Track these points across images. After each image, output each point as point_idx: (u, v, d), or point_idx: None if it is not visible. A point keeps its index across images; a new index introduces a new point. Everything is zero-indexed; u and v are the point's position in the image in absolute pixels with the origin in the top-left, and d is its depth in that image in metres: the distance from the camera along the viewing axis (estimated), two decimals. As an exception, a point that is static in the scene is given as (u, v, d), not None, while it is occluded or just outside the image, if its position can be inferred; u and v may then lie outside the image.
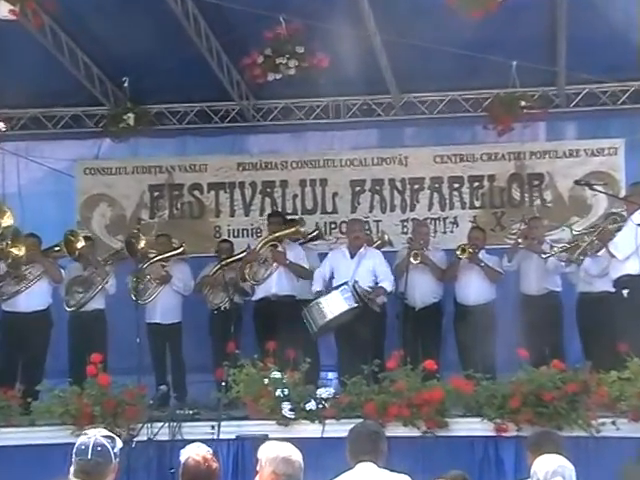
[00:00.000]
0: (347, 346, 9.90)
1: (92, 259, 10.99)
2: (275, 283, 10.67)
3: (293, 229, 11.07)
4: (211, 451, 5.64)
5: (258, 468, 4.94)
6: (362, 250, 10.39)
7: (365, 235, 10.90)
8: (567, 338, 10.28)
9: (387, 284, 10.18)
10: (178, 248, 11.29)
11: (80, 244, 10.87)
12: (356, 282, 9.78)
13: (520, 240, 10.74)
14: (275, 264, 10.68)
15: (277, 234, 10.93)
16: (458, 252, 10.65)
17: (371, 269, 10.22)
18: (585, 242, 10.02)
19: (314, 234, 11.52)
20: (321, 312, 9.54)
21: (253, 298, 10.89)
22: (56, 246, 10.74)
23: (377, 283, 10.14)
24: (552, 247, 10.41)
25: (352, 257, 10.37)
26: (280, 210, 12.16)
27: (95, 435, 4.80)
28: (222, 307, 10.95)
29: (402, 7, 9.63)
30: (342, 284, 9.81)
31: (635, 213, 9.17)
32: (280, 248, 10.76)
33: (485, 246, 10.78)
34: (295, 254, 10.83)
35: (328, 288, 10.02)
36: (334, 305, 9.53)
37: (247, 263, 10.84)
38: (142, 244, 11.08)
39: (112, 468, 4.80)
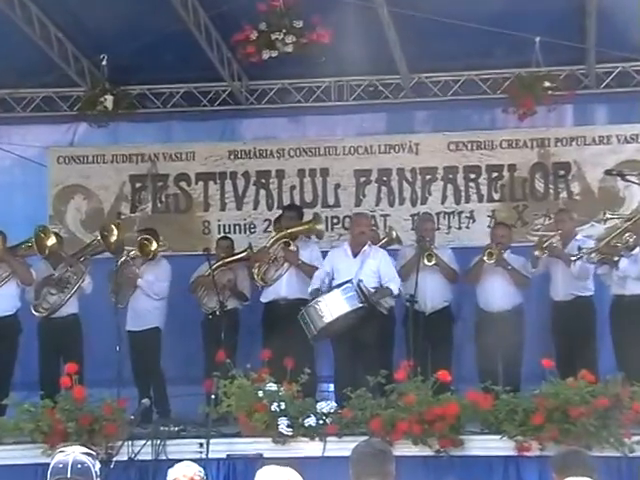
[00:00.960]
0: (349, 354, 9.67)
1: (65, 257, 10.83)
2: (285, 285, 10.62)
3: (307, 226, 11.01)
4: (202, 471, 5.64)
5: None
6: (366, 248, 10.15)
7: (371, 231, 10.68)
8: (599, 347, 10.08)
9: (394, 286, 9.94)
10: (161, 245, 11.09)
11: (51, 241, 10.72)
12: (360, 281, 9.59)
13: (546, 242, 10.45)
14: (286, 264, 10.62)
15: (290, 231, 10.83)
16: (485, 257, 10.36)
17: (375, 270, 9.98)
18: (618, 239, 9.85)
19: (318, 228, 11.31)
20: (320, 314, 9.36)
21: (262, 300, 10.75)
22: (25, 242, 10.63)
23: (382, 285, 9.97)
24: (580, 248, 9.96)
25: (355, 256, 10.15)
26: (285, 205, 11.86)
27: (74, 452, 4.71)
28: (217, 312, 10.72)
29: None
30: (345, 282, 9.61)
31: None
32: (292, 247, 10.70)
33: (509, 245, 10.62)
34: (310, 254, 10.76)
35: (330, 286, 9.88)
36: (335, 306, 9.32)
37: (256, 262, 10.78)
38: (117, 238, 10.92)
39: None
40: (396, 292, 9.99)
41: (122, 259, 10.84)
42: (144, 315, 10.78)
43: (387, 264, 10.14)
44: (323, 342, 9.91)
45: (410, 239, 11.13)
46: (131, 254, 10.91)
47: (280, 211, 11.61)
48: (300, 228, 10.92)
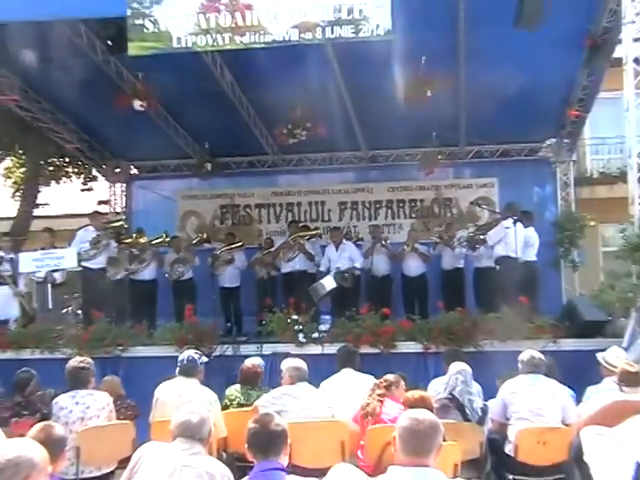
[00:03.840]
0: (338, 301, 9.63)
1: (184, 246, 10.96)
2: (297, 262, 10.53)
3: (312, 232, 10.94)
4: (261, 362, 6.22)
5: (282, 375, 5.40)
6: (342, 244, 10.33)
7: (340, 235, 10.64)
8: (467, 295, 10.15)
9: (358, 264, 10.16)
10: (239, 242, 11.24)
11: (176, 239, 11.06)
12: (338, 269, 9.78)
13: (440, 238, 10.72)
14: (298, 251, 10.53)
15: (302, 233, 10.79)
16: (405, 247, 10.62)
17: (348, 255, 10.16)
18: (476, 236, 10.12)
19: (319, 232, 11.26)
20: (320, 289, 9.35)
21: (282, 271, 10.73)
22: (157, 238, 10.60)
23: (353, 263, 10.06)
24: (459, 239, 10.55)
25: (336, 249, 10.28)
26: (296, 220, 12.00)
27: (189, 352, 5.49)
28: (265, 277, 10.94)
29: (372, 99, 9.58)
30: (332, 273, 9.69)
31: (505, 220, 9.27)
32: (302, 241, 10.58)
33: (419, 240, 10.79)
34: (312, 246, 10.71)
35: (328, 270, 9.93)
36: (327, 285, 9.37)
37: (282, 250, 10.72)
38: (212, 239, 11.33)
39: (199, 370, 5.43)
40: (360, 266, 10.18)
41: (219, 248, 11.13)
42: (232, 278, 11.00)
43: (355, 251, 10.32)
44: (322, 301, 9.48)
45: (367, 238, 11.09)
46: (221, 246, 11.21)
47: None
48: (311, 232, 10.90)
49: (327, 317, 8.55)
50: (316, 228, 11.29)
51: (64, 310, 10.33)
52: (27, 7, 7.05)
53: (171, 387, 5.44)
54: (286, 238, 10.91)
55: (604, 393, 5.21)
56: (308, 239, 10.79)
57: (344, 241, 10.47)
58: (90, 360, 5.52)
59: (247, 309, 10.77)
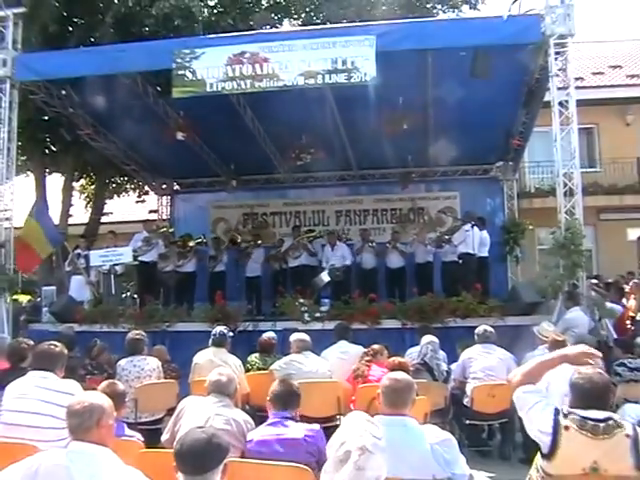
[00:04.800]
0: (335, 289, 9.36)
1: (214, 246, 10.67)
2: (303, 258, 10.38)
3: (313, 234, 10.81)
4: (275, 335, 6.14)
5: (291, 346, 5.36)
6: (337, 244, 10.21)
7: (335, 238, 10.43)
8: (435, 283, 9.87)
9: (349, 261, 10.04)
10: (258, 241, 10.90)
11: (215, 241, 10.92)
12: (332, 265, 9.66)
13: (415, 238, 10.56)
14: (302, 249, 10.44)
15: (307, 235, 10.67)
16: (388, 244, 10.46)
17: (340, 254, 10.01)
18: (443, 237, 10.08)
19: (321, 234, 11.00)
20: (319, 282, 9.23)
21: (290, 265, 10.54)
22: (198, 239, 10.38)
23: (344, 261, 9.94)
24: (429, 239, 10.40)
25: (332, 249, 10.15)
26: (299, 225, 11.79)
27: (220, 328, 5.44)
28: (278, 269, 10.75)
29: (361, 129, 9.47)
30: (327, 269, 9.55)
31: (465, 225, 9.30)
32: (305, 241, 10.47)
33: (400, 241, 10.54)
34: (313, 245, 10.50)
35: (324, 269, 9.70)
36: (324, 278, 9.26)
37: (290, 249, 10.61)
38: (239, 239, 11.13)
39: (228, 342, 5.38)
40: (350, 263, 10.01)
41: (244, 246, 10.84)
42: (254, 269, 10.63)
43: (346, 250, 10.15)
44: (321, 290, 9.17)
45: (357, 239, 10.90)
46: (244, 244, 10.92)
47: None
48: (313, 234, 10.83)
49: (327, 301, 8.39)
50: (312, 231, 11.16)
51: (124, 295, 10.31)
52: (98, 63, 7.31)
53: (206, 354, 5.42)
54: (292, 240, 10.79)
55: (536, 358, 5.27)
56: (310, 240, 10.66)
57: (338, 243, 10.34)
58: (143, 333, 5.53)
59: (266, 294, 10.56)
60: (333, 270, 9.54)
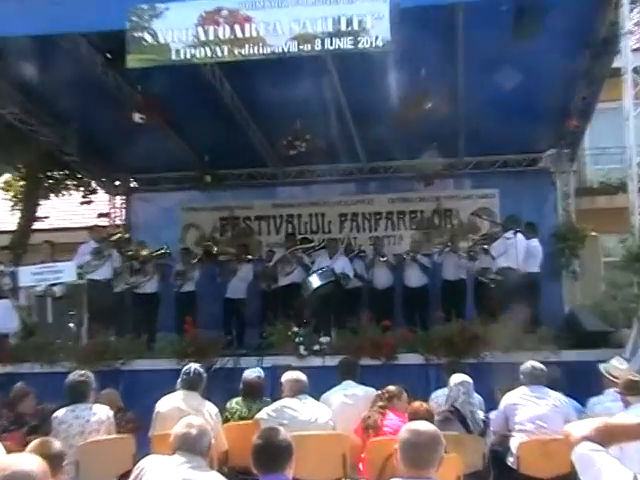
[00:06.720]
0: (339, 313, 9.23)
1: (186, 261, 10.78)
2: (296, 275, 10.47)
3: (311, 245, 11.03)
4: (261, 372, 6.16)
5: (282, 388, 5.40)
6: (337, 254, 10.44)
7: (336, 247, 10.76)
8: (467, 305, 10.04)
9: (350, 273, 10.10)
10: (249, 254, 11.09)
11: (188, 254, 10.94)
12: (324, 267, 9.71)
13: (449, 245, 10.62)
14: (295, 264, 10.55)
15: (301, 246, 10.88)
16: (406, 257, 10.58)
17: (341, 266, 10.07)
18: (476, 247, 10.32)
19: (322, 245, 11.08)
20: (309, 285, 9.27)
21: (280, 284, 10.61)
22: (159, 250, 10.53)
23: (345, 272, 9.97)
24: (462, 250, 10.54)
25: (330, 258, 10.30)
26: (293, 232, 12.05)
27: (192, 365, 5.49)
28: (266, 289, 10.87)
29: (371, 110, 9.61)
30: (321, 270, 9.57)
31: (506, 232, 9.36)
32: (299, 254, 10.63)
33: (420, 252, 10.66)
34: (344, 263, 10.51)
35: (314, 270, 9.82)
36: (314, 282, 9.23)
37: (280, 263, 10.77)
38: (215, 250, 11.24)
39: (202, 384, 5.44)
40: (351, 275, 10.13)
41: (224, 259, 11.02)
42: (237, 290, 10.76)
43: (347, 264, 10.21)
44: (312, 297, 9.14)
45: (369, 249, 11.12)
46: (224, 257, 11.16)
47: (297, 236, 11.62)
48: (308, 245, 10.97)
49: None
50: (308, 240, 11.35)
51: (65, 324, 10.19)
52: (27, 21, 7.12)
53: (172, 400, 5.44)
54: (284, 251, 10.95)
55: (605, 404, 5.25)
56: (306, 252, 10.83)
57: (339, 252, 10.56)
58: (90, 374, 5.51)
59: (250, 321, 10.63)
60: (345, 276, 9.70)
